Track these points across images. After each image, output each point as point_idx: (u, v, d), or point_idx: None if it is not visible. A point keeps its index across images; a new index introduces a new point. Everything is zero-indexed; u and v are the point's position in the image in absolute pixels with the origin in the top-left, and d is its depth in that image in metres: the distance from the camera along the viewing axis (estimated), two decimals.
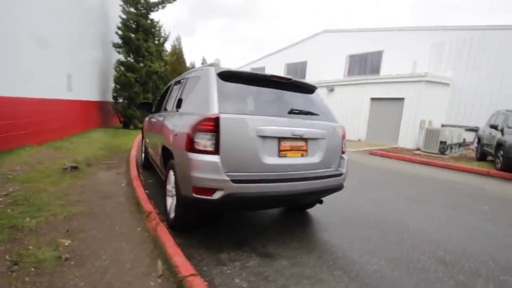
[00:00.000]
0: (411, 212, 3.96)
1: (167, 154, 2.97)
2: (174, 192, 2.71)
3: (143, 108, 4.92)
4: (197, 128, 2.23)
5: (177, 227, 2.69)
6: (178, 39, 27.81)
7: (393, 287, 2.11)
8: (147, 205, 3.10)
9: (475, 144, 10.83)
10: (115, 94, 11.58)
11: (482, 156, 9.26)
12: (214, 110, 2.28)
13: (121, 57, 12.04)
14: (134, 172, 4.55)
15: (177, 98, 3.25)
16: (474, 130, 12.23)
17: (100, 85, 11.42)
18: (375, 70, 18.11)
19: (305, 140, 2.66)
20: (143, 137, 5.65)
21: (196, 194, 2.25)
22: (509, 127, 7.34)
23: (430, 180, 6.38)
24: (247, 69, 28.74)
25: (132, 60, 11.45)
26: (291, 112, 2.67)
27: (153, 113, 4.73)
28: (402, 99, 13.71)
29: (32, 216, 2.77)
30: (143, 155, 5.48)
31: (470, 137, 12.48)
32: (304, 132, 2.61)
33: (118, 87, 11.37)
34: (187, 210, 2.56)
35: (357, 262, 2.45)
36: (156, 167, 3.95)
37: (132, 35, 11.59)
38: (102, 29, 11.83)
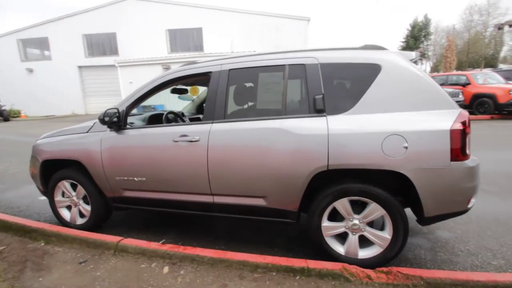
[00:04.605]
0: None
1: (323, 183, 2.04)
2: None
3: (109, 124, 2.37)
4: (465, 131, 1.84)
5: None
6: None
7: None
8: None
9: None
10: None
11: None
12: (456, 106, 1.92)
13: None
14: (130, 240, 2.37)
15: (306, 96, 2.03)
16: None
17: None
18: (199, 47, 18.54)
19: None
20: (41, 178, 2.83)
21: (468, 205, 1.92)
22: None
23: None
24: (13, 39, 19.30)
25: None
26: None
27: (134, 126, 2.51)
28: None
29: None
30: (65, 213, 2.82)
31: None
32: None
33: None
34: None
35: None
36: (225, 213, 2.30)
37: None
38: None
